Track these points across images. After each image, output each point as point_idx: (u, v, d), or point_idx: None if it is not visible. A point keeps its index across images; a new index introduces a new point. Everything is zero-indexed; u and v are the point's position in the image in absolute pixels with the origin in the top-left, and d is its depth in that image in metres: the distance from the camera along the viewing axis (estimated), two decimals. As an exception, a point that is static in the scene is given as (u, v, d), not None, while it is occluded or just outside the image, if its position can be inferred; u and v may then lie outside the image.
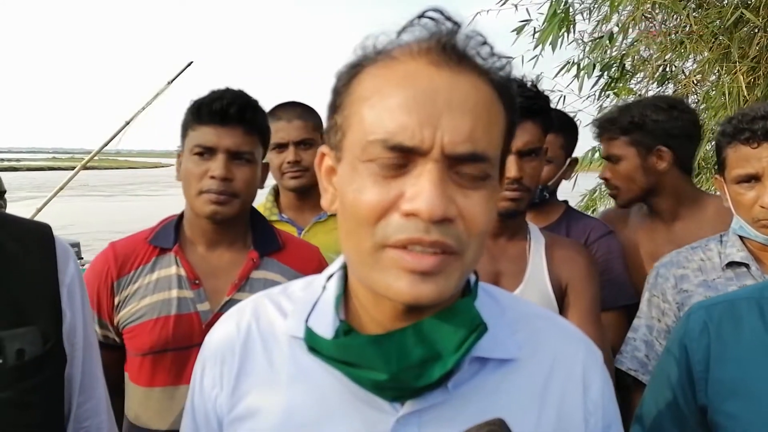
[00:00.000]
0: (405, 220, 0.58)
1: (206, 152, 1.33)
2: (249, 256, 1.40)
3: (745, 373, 0.86)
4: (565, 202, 2.00)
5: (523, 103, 1.29)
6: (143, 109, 5.17)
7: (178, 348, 1.31)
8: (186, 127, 1.37)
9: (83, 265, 1.78)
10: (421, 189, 0.58)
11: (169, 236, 1.40)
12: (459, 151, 0.59)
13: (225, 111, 1.31)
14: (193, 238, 1.41)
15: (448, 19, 0.62)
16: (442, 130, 0.58)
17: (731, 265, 1.41)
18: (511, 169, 1.30)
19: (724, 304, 0.93)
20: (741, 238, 1.43)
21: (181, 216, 1.45)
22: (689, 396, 0.92)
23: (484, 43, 0.63)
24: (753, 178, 1.33)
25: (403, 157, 0.59)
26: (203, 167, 1.33)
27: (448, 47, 0.61)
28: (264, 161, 1.45)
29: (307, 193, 1.92)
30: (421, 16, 0.63)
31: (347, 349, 0.65)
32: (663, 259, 1.54)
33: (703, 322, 0.92)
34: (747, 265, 1.39)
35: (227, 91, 1.36)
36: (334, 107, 0.67)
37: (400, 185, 0.59)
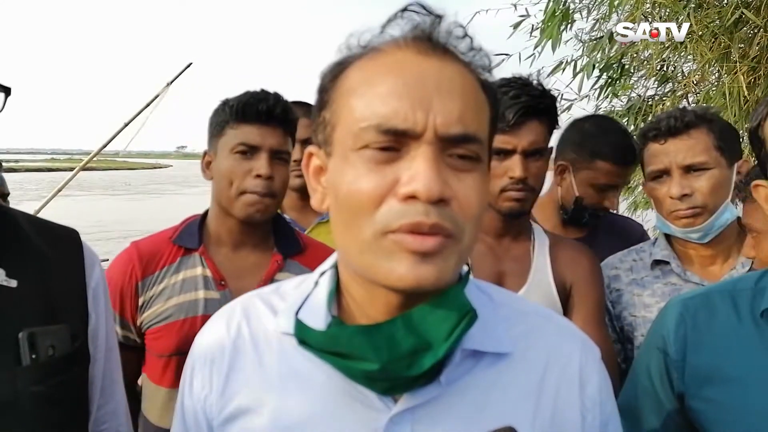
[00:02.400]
0: (404, 205, 0.58)
1: (249, 151, 1.34)
2: (273, 259, 1.40)
3: (720, 360, 0.90)
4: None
5: (529, 101, 1.28)
6: (143, 110, 5.17)
7: None
8: (222, 126, 1.37)
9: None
10: (416, 171, 0.58)
11: (193, 236, 1.39)
12: (452, 132, 0.59)
13: (271, 111, 1.34)
14: (219, 238, 1.41)
15: (430, 12, 0.63)
16: (434, 112, 0.59)
17: (659, 263, 1.49)
18: (516, 169, 1.29)
19: (700, 297, 0.98)
20: (668, 237, 1.51)
21: (203, 215, 1.44)
22: (667, 384, 0.96)
23: (465, 35, 0.64)
24: (664, 173, 1.41)
25: (396, 141, 0.59)
26: (246, 166, 1.33)
27: (434, 38, 0.63)
28: None
29: None
30: (404, 10, 0.64)
31: (337, 340, 0.65)
32: (603, 262, 1.62)
33: (680, 314, 0.96)
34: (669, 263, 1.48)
35: (267, 92, 1.39)
36: (321, 104, 0.67)
37: (395, 171, 0.60)
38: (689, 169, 1.37)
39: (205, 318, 1.30)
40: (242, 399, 0.71)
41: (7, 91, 0.84)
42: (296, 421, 0.67)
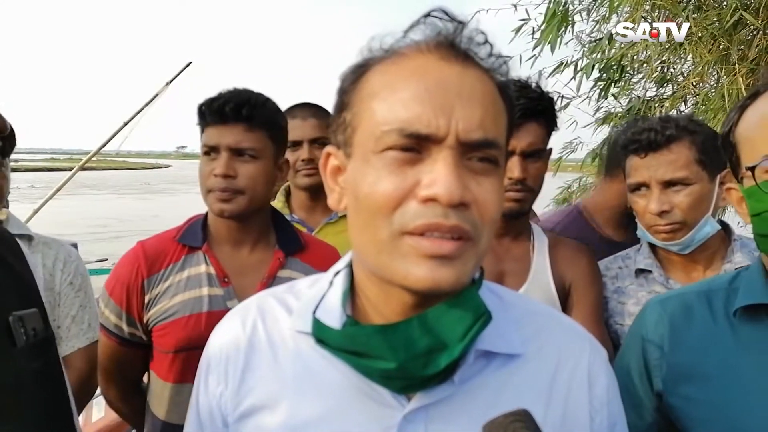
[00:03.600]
0: (423, 207, 0.59)
1: (211, 151, 1.36)
2: (275, 256, 1.42)
3: (697, 359, 0.92)
4: None
5: (527, 103, 1.29)
6: (142, 109, 5.18)
7: None
8: (200, 130, 1.41)
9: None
10: (438, 175, 0.59)
11: (197, 235, 1.42)
12: (473, 137, 0.61)
13: (222, 109, 1.35)
14: (220, 236, 1.43)
15: (452, 18, 0.64)
16: (456, 118, 0.60)
17: (642, 271, 1.49)
18: (515, 170, 1.30)
19: (677, 297, 1.00)
20: (651, 245, 1.50)
21: (206, 215, 1.47)
22: (646, 383, 0.98)
23: (486, 41, 0.65)
24: (643, 186, 1.40)
25: (418, 145, 0.60)
26: (210, 167, 1.36)
27: (456, 44, 0.64)
28: (285, 158, 1.47)
29: (319, 193, 1.92)
30: (427, 15, 0.65)
31: (354, 339, 0.66)
32: None
33: (658, 314, 0.99)
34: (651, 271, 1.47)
35: (228, 91, 1.38)
36: (342, 106, 0.68)
37: (415, 173, 0.60)
38: (669, 185, 1.36)
39: (210, 314, 1.33)
40: (257, 396, 0.72)
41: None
42: (311, 418, 0.69)
